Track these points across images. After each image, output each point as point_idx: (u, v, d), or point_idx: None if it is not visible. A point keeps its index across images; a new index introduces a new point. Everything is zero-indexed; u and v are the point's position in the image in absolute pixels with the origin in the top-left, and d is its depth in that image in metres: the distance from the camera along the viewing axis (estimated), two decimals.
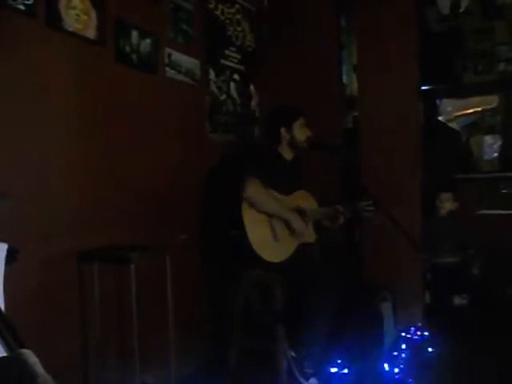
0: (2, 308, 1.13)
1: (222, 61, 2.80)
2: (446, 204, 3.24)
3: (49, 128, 1.79)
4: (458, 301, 3.03)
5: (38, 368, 0.92)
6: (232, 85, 2.89)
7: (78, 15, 1.89)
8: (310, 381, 2.15)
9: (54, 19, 1.79)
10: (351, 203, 2.44)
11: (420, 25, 2.96)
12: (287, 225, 2.28)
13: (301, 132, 2.41)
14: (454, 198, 3.24)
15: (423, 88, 3.42)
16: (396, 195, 2.72)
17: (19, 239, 1.41)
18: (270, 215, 2.24)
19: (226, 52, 2.84)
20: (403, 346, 2.51)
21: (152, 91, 2.27)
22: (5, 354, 1.00)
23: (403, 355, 2.42)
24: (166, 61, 2.36)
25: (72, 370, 1.85)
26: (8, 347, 0.99)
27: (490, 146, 4.21)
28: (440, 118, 4.48)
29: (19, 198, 1.64)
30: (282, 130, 2.42)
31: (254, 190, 2.16)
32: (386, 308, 2.54)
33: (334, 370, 2.23)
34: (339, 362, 2.25)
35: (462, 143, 4.23)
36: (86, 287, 1.89)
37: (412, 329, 2.69)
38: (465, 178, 3.81)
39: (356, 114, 3.07)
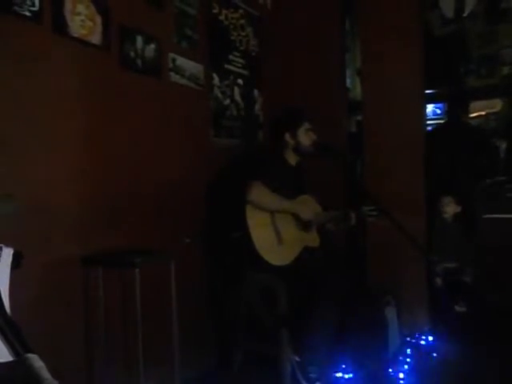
0: (8, 312, 1.13)
1: (226, 65, 2.81)
2: (448, 208, 3.20)
3: (54, 132, 1.80)
4: (457, 308, 3.01)
5: (44, 372, 0.92)
6: (236, 89, 2.89)
7: (83, 21, 1.90)
8: None
9: (59, 25, 1.80)
10: (355, 207, 2.43)
11: (424, 28, 2.96)
12: (295, 220, 2.28)
13: (306, 137, 2.41)
14: (456, 201, 3.20)
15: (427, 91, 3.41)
16: (400, 199, 2.71)
17: (24, 243, 1.41)
18: (274, 218, 2.25)
19: (230, 57, 2.85)
20: (408, 351, 2.50)
21: (156, 96, 2.29)
22: (11, 359, 1.00)
23: (408, 360, 2.41)
24: (171, 66, 2.37)
25: (77, 374, 1.85)
26: (14, 352, 0.99)
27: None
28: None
29: (24, 202, 1.65)
30: (287, 135, 2.42)
31: (257, 192, 2.17)
32: (391, 312, 2.53)
33: (338, 374, 2.22)
34: (344, 366, 2.24)
35: (488, 142, 3.82)
36: (90, 291, 1.90)
37: (417, 334, 2.68)
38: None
39: (359, 118, 3.07)
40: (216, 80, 2.71)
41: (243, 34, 2.98)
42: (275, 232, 2.24)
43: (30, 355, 0.98)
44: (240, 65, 2.94)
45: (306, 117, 2.45)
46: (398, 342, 2.57)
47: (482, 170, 3.51)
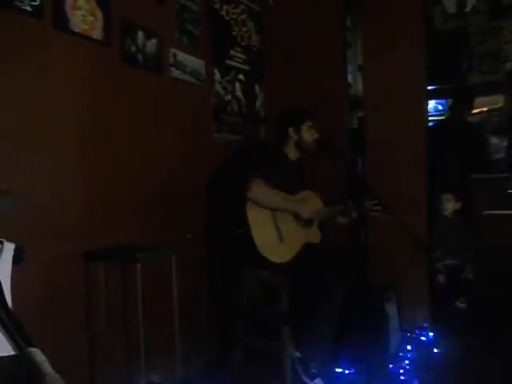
0: (10, 307, 1.14)
1: (227, 61, 2.81)
2: (448, 205, 3.20)
3: (55, 128, 1.80)
4: (458, 304, 3.02)
5: (46, 367, 0.92)
6: (237, 85, 2.89)
7: (83, 16, 1.90)
8: (315, 381, 2.15)
9: (60, 20, 1.80)
10: (357, 202, 2.43)
11: (426, 24, 2.94)
12: (296, 219, 2.28)
13: (309, 133, 2.42)
14: (456, 198, 3.20)
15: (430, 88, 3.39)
16: (401, 195, 2.71)
17: (26, 238, 1.41)
18: (274, 215, 2.24)
19: (231, 52, 2.84)
20: (408, 347, 2.51)
21: (157, 91, 2.28)
22: (13, 353, 1.00)
23: (408, 356, 2.42)
24: (172, 61, 2.37)
25: (79, 369, 1.86)
26: (16, 346, 0.99)
27: (497, 146, 4.18)
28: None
29: (26, 198, 1.65)
30: (290, 130, 2.43)
31: (258, 189, 2.17)
32: (391, 308, 2.54)
33: (339, 370, 2.23)
34: (344, 362, 2.25)
35: (484, 139, 3.93)
36: (92, 286, 1.90)
37: (417, 329, 2.69)
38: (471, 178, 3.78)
39: (361, 114, 3.06)
40: (217, 75, 2.71)
41: (245, 29, 2.97)
42: (276, 229, 2.24)
43: (32, 349, 0.98)
44: (241, 60, 2.93)
45: (310, 114, 2.46)
46: (399, 337, 2.58)
47: (475, 165, 3.52)
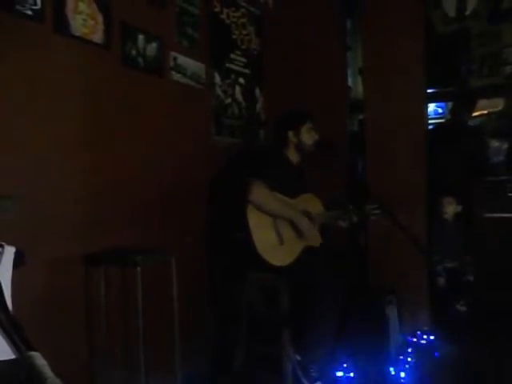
0: (11, 311, 1.14)
1: (228, 64, 2.81)
2: (449, 208, 3.20)
3: (56, 131, 1.81)
4: (458, 307, 3.02)
5: (47, 370, 0.92)
6: (237, 88, 2.89)
7: (84, 20, 1.90)
8: None
9: (61, 24, 1.81)
10: (358, 206, 2.44)
11: (426, 27, 2.95)
12: (293, 226, 2.28)
13: (308, 136, 2.42)
14: (457, 201, 3.20)
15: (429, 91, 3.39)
16: (401, 198, 2.71)
17: (27, 242, 1.42)
18: (275, 218, 2.24)
19: (232, 56, 2.85)
20: (409, 350, 2.50)
21: (158, 94, 2.29)
22: (14, 357, 1.01)
23: (409, 359, 2.41)
24: (172, 64, 2.37)
25: (78, 372, 1.85)
26: (17, 350, 1.00)
27: (496, 149, 4.18)
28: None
29: (27, 201, 1.65)
30: (290, 133, 2.43)
31: (259, 192, 2.16)
32: (392, 311, 2.53)
33: (339, 373, 2.23)
34: (345, 365, 2.24)
35: (484, 142, 3.86)
36: (92, 289, 1.90)
37: (418, 332, 2.68)
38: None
39: (361, 117, 3.07)
40: (217, 79, 2.71)
41: (245, 32, 2.98)
42: (276, 232, 2.24)
43: (32, 353, 0.98)
44: (241, 64, 2.94)
45: (309, 116, 2.47)
46: (399, 341, 2.57)
47: (476, 169, 3.52)
